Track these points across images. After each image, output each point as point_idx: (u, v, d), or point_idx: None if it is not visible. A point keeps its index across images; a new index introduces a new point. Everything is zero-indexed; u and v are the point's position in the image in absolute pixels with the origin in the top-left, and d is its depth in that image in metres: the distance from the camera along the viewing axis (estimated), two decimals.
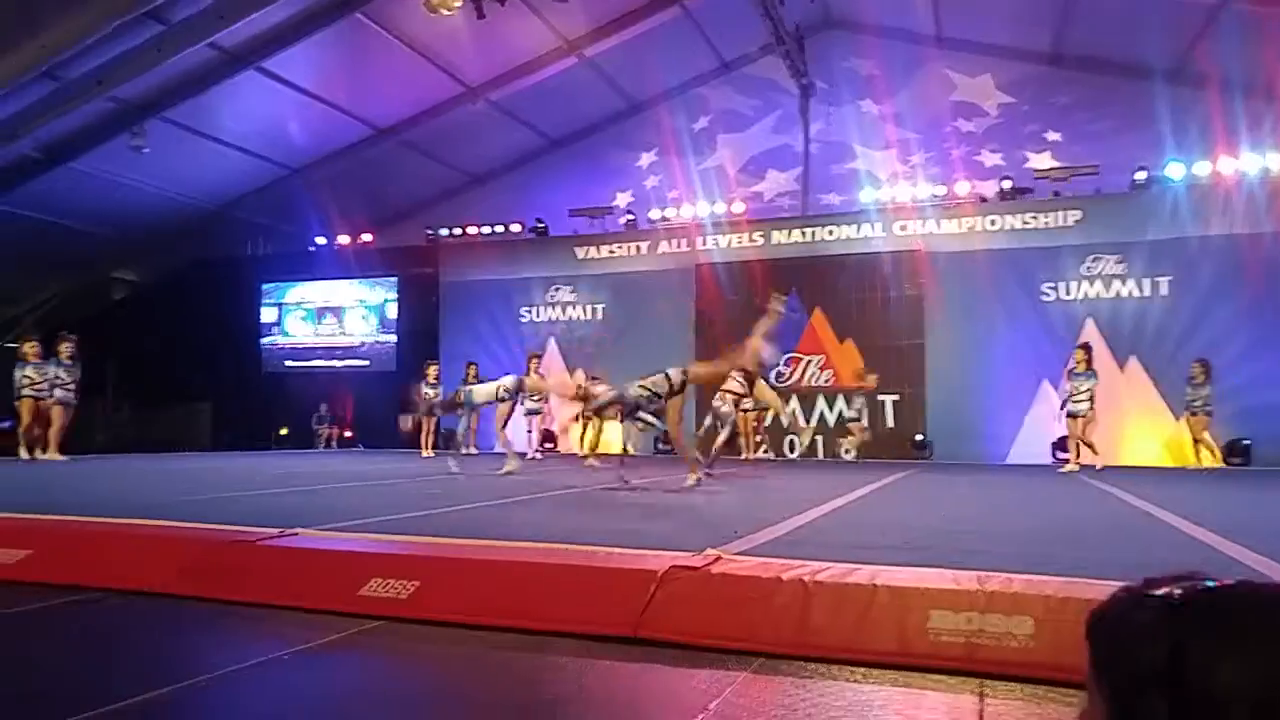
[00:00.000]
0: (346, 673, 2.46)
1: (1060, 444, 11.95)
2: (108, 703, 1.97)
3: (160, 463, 8.84)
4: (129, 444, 9.89)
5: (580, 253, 15.69)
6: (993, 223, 13.56)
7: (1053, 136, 14.58)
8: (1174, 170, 12.69)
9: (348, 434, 16.82)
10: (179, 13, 11.13)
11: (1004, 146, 14.90)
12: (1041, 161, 14.30)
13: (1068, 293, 13.01)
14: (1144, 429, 12.33)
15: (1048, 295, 13.07)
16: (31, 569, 3.43)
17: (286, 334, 17.75)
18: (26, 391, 10.35)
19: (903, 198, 14.29)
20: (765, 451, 13.71)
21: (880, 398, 13.57)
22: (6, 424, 10.52)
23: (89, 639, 2.77)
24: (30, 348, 10.58)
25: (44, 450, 10.37)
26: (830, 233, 14.45)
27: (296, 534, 3.74)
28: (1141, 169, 12.80)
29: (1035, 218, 13.33)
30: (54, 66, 11.22)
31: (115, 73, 11.62)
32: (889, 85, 15.36)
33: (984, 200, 13.91)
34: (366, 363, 17.10)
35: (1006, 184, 13.67)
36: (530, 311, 15.88)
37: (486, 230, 16.42)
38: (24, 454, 10.32)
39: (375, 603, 2.89)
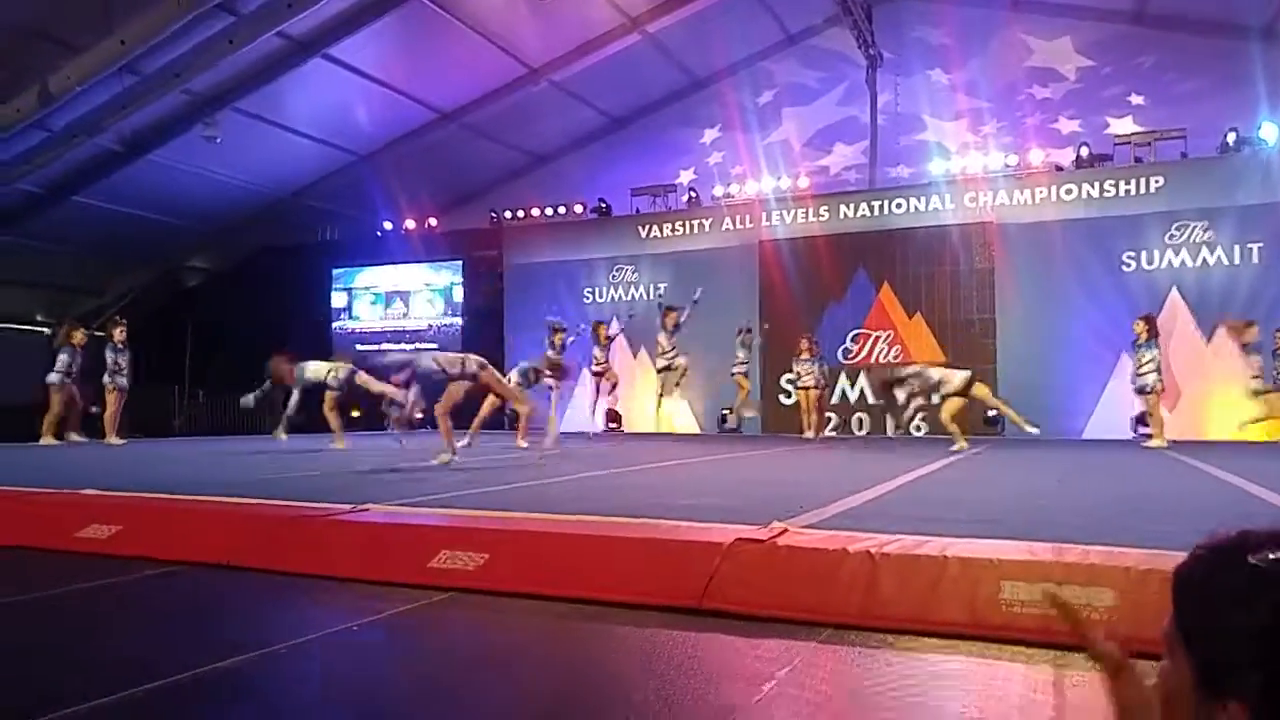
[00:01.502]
0: (417, 641, 2.51)
1: (1141, 419, 11.58)
2: (192, 668, 2.05)
3: (235, 444, 9.16)
4: (204, 428, 10.19)
5: (643, 232, 15.65)
6: (1069, 192, 13.08)
7: (1136, 100, 13.97)
8: (1268, 132, 12.05)
9: (417, 415, 17.14)
10: (249, 3, 11.38)
11: (1082, 112, 14.34)
12: (1123, 126, 13.72)
13: (1150, 262, 12.50)
14: (1231, 403, 11.82)
15: (1128, 265, 12.58)
16: (122, 543, 3.58)
17: (356, 318, 18.13)
18: (51, 377, 10.40)
19: (974, 169, 13.88)
20: (833, 429, 13.56)
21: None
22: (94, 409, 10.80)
23: (174, 609, 2.89)
24: (81, 335, 10.64)
25: (77, 434, 10.37)
26: (898, 206, 14.14)
27: (368, 509, 3.82)
28: (1232, 131, 12.21)
29: (1115, 185, 12.80)
30: (133, 61, 11.60)
31: (190, 65, 11.93)
32: (961, 53, 14.91)
33: (1060, 169, 13.43)
34: (434, 345, 17.37)
35: (1084, 151, 13.17)
36: (593, 292, 15.91)
37: (549, 211, 16.49)
38: (50, 439, 10.24)
39: (445, 574, 2.95)
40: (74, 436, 10.31)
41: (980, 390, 9.33)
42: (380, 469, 6.41)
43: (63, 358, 10.48)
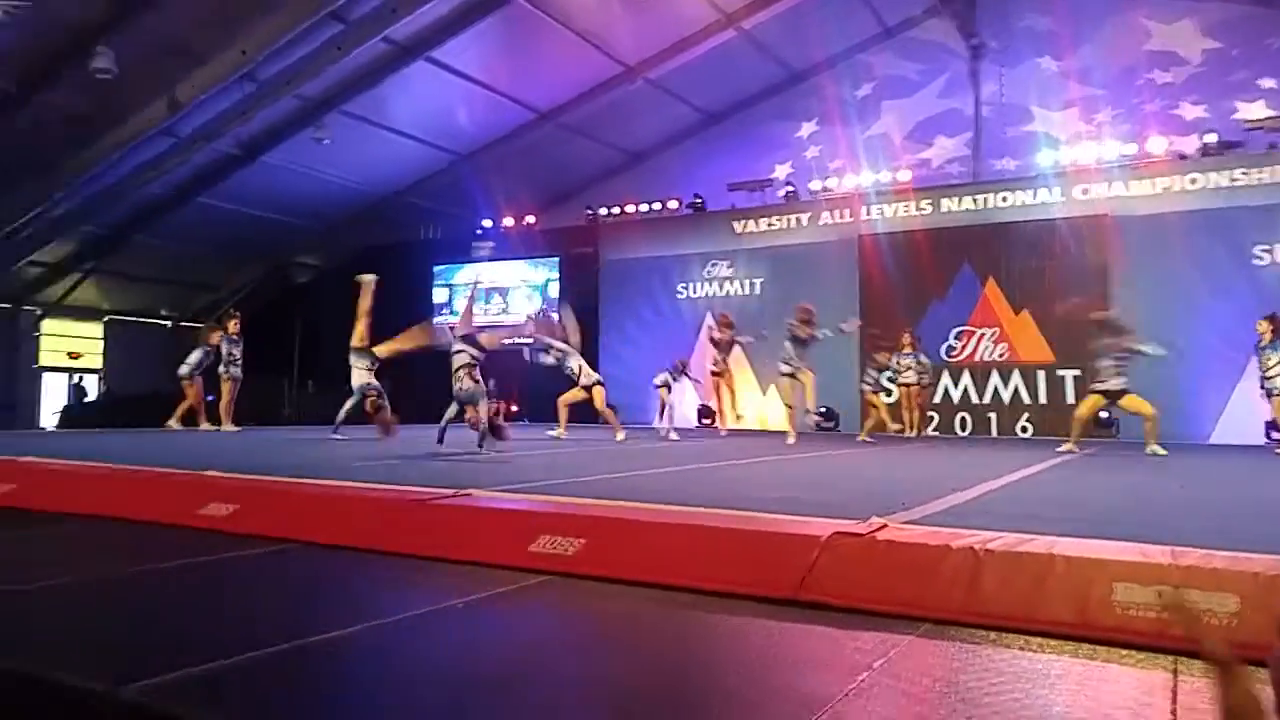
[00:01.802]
0: (515, 622, 2.56)
1: (1274, 424, 10.88)
2: (300, 638, 2.16)
3: (342, 433, 9.50)
4: (313, 417, 10.62)
5: (738, 227, 15.57)
6: (1193, 181, 12.39)
7: (1267, 83, 13.12)
8: None
9: (514, 408, 17.49)
10: (356, 11, 11.82)
11: (1208, 97, 13.54)
12: (1253, 111, 12.90)
13: None
14: None
15: (1261, 259, 11.83)
16: (239, 522, 3.77)
17: (456, 314, 18.59)
18: (181, 370, 10.96)
19: (1086, 159, 13.29)
20: (933, 428, 13.22)
21: (1060, 372, 12.82)
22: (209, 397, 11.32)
23: (285, 584, 3.03)
24: (217, 337, 11.12)
25: (198, 423, 10.84)
26: (1004, 199, 13.67)
27: (470, 494, 3.91)
28: None
29: (1247, 173, 12.04)
30: (251, 70, 12.23)
31: (302, 71, 12.53)
32: (1072, 39, 14.28)
33: (1183, 157, 12.73)
34: (531, 341, 17.68)
35: (1210, 138, 12.44)
36: (687, 288, 15.92)
37: (644, 208, 16.58)
38: (176, 424, 10.79)
39: (543, 558, 3.01)
40: (205, 426, 10.90)
41: (1132, 402, 8.60)
42: (481, 459, 6.55)
43: (197, 354, 11.06)
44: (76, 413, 17.14)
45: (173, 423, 10.88)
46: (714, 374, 12.09)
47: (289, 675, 1.95)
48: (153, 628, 2.35)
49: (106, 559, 3.30)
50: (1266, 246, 11.79)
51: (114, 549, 3.54)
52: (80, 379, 19.26)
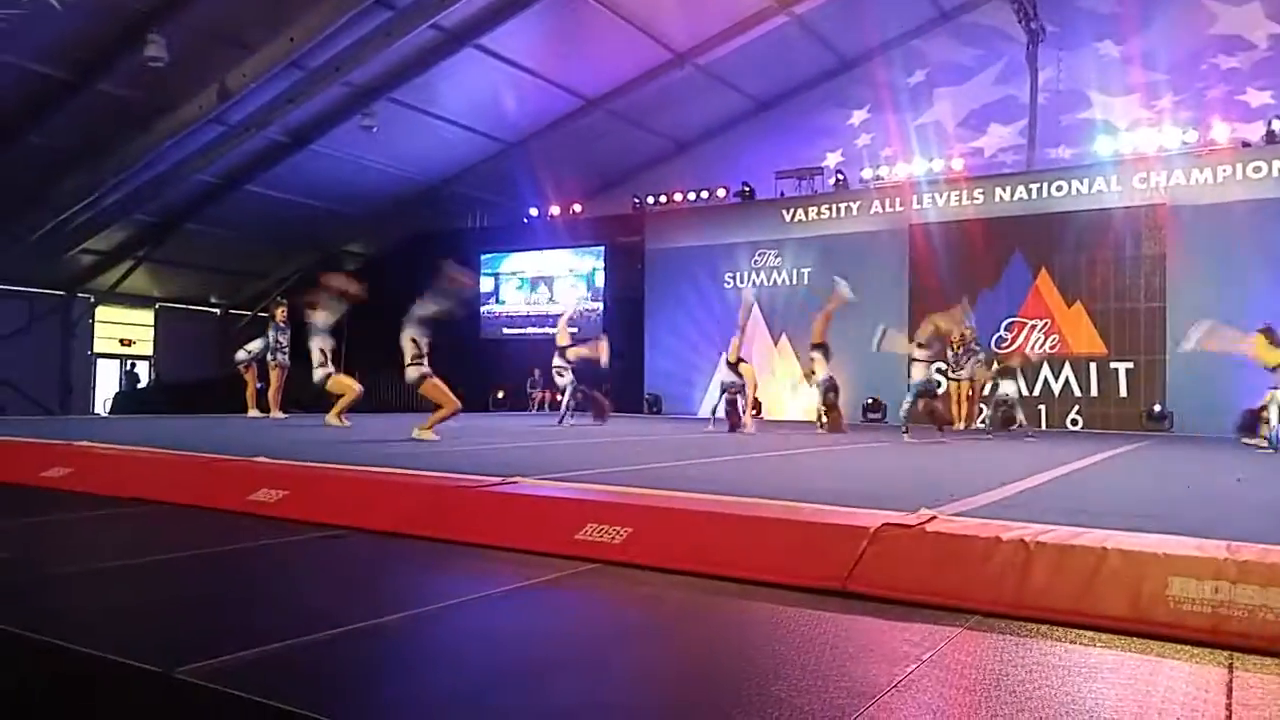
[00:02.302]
0: (562, 607, 2.60)
1: None
2: (355, 622, 2.20)
3: (390, 421, 9.62)
4: (360, 405, 10.73)
5: (787, 215, 15.45)
6: (1258, 170, 12.02)
7: None
8: None
9: (559, 397, 17.56)
10: None
11: (1275, 83, 13.13)
12: None
13: None
14: None
15: None
16: (289, 507, 3.84)
17: (502, 302, 18.74)
18: (239, 355, 11.17)
19: (1146, 147, 12.95)
20: (982, 421, 13.03)
21: (1113, 365, 12.57)
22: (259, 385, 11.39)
23: (335, 569, 3.09)
24: (281, 313, 11.19)
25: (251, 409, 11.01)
26: (1058, 189, 13.39)
27: (517, 482, 3.95)
28: None
29: None
30: (299, 58, 12.32)
31: (350, 59, 12.60)
32: (1135, 22, 13.93)
33: (1247, 145, 12.35)
34: (576, 330, 17.73)
35: (1277, 125, 12.06)
36: (734, 277, 15.85)
37: (691, 196, 16.52)
38: (256, 411, 11.00)
39: (590, 546, 3.03)
40: (254, 412, 11.06)
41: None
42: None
43: (258, 342, 11.17)
44: (128, 398, 17.56)
45: (255, 410, 11.02)
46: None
47: (337, 660, 1.98)
48: (204, 612, 2.41)
49: (159, 543, 3.38)
50: None
51: (165, 533, 3.62)
52: (132, 365, 19.71)
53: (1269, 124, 12.17)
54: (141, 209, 15.95)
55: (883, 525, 2.76)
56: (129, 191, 14.86)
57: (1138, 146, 13.04)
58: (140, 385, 19.25)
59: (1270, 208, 11.70)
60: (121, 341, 19.50)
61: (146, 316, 19.75)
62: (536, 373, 17.61)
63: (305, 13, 11.62)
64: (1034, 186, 13.57)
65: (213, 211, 16.80)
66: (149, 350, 19.87)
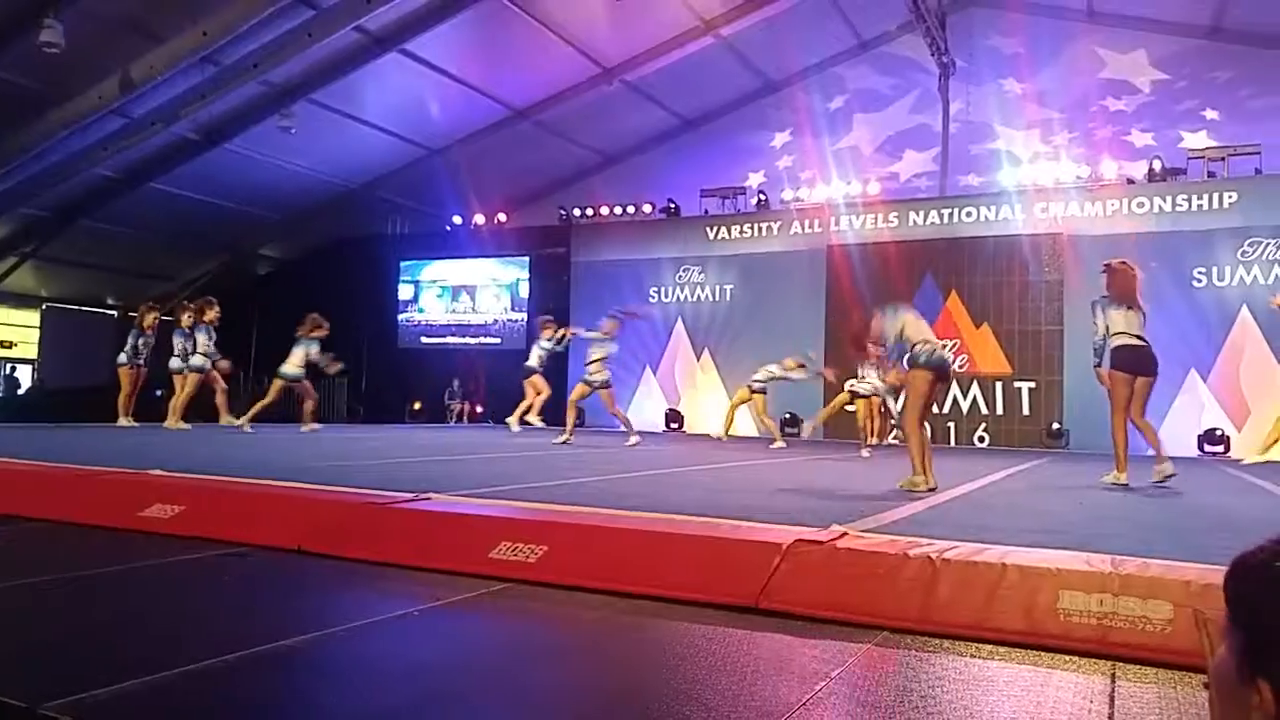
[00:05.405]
0: (475, 629, 2.55)
1: (1208, 436, 11.77)
2: (251, 646, 2.09)
3: (299, 432, 9.36)
4: (270, 415, 10.37)
5: (710, 233, 15.69)
6: (1140, 205, 12.83)
7: (1210, 115, 13.67)
8: None
9: (479, 409, 17.42)
10: None
11: (1156, 125, 14.06)
12: (1197, 141, 13.43)
13: (1221, 279, 12.23)
14: None
15: (1199, 281, 12.31)
16: (183, 524, 3.61)
17: (422, 311, 18.49)
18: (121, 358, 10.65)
19: (1044, 179, 13.66)
20: (895, 438, 13.41)
21: (1017, 384, 13.14)
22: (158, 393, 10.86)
23: (234, 589, 2.93)
24: (152, 319, 10.82)
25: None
26: (968, 215, 13.95)
27: (429, 498, 3.86)
28: None
29: (1188, 200, 12.54)
30: (212, 52, 11.82)
31: (269, 57, 12.17)
32: (1033, 63, 14.71)
33: (1131, 182, 13.15)
34: (498, 340, 17.63)
35: (1157, 165, 12.89)
36: (659, 292, 15.99)
37: (619, 210, 16.61)
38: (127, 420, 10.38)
39: (504, 565, 2.97)
40: (227, 419, 10.48)
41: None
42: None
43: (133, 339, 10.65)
44: (5, 404, 16.55)
45: (127, 419, 10.43)
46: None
47: (229, 690, 1.85)
48: (82, 639, 2.21)
49: (35, 564, 3.14)
50: (1203, 270, 12.30)
51: (44, 554, 3.39)
52: (12, 369, 18.56)
53: (1150, 163, 12.97)
54: (31, 202, 14.89)
55: (795, 541, 2.82)
56: (17, 183, 13.84)
57: (1037, 179, 13.74)
58: (20, 390, 18.18)
59: (1151, 240, 12.40)
60: (1, 344, 18.33)
61: (31, 317, 18.38)
62: (455, 383, 17.42)
63: (222, 6, 11.21)
64: (945, 212, 14.10)
65: (113, 208, 15.85)
66: (33, 353, 18.56)
